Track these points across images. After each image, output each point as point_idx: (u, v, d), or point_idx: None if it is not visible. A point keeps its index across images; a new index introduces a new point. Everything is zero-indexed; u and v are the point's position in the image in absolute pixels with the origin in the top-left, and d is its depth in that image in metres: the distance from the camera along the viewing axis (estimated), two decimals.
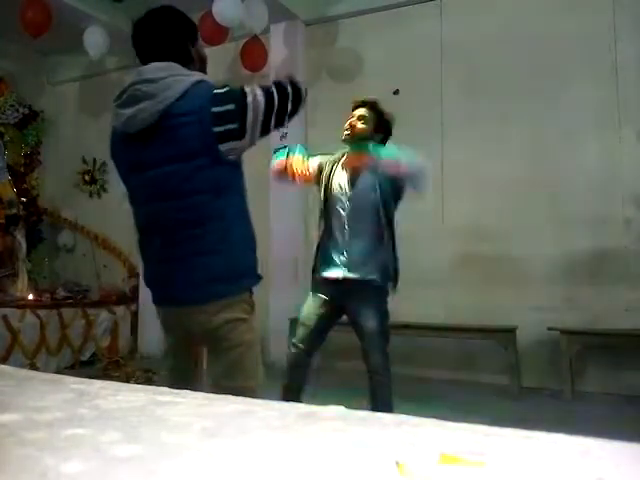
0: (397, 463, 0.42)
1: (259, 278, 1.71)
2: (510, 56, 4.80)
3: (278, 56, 5.68)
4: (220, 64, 6.08)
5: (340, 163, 2.73)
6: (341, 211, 2.64)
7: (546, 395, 4.20)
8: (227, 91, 1.57)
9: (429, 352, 4.85)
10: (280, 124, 1.65)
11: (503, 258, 4.70)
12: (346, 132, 2.66)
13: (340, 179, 2.68)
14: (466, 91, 4.95)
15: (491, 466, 0.42)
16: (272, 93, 1.59)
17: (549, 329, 4.22)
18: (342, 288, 2.62)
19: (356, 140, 2.64)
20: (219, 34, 5.05)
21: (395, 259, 2.66)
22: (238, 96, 1.56)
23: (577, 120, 4.55)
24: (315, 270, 2.72)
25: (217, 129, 1.53)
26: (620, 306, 4.23)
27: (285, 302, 5.09)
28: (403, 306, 4.52)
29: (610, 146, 4.45)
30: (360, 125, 2.63)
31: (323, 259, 2.68)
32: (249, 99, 1.55)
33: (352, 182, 2.65)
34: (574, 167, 4.51)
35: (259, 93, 1.57)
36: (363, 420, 0.57)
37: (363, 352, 2.68)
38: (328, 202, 2.68)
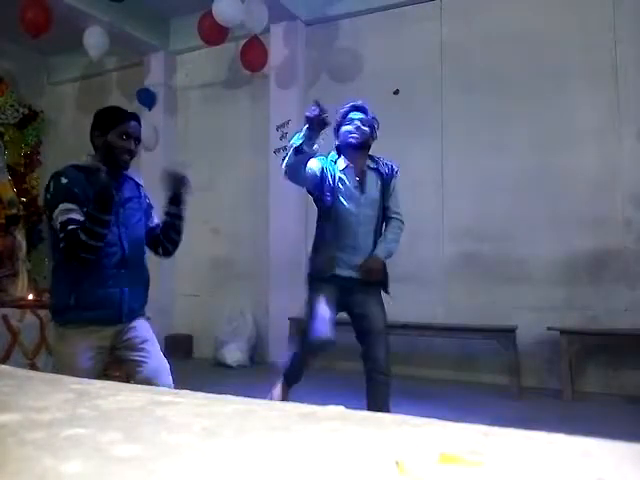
0: (397, 463, 0.42)
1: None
2: (510, 56, 4.80)
3: (278, 56, 5.68)
4: (220, 64, 6.09)
5: (343, 165, 2.71)
6: (351, 214, 2.66)
7: (546, 395, 4.20)
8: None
9: (429, 352, 4.85)
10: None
11: (503, 258, 4.69)
12: (353, 135, 2.64)
13: (347, 182, 2.68)
14: (466, 91, 4.95)
15: (491, 466, 0.42)
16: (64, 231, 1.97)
17: (549, 329, 4.21)
18: (351, 285, 2.66)
19: (362, 145, 2.66)
20: (219, 34, 5.05)
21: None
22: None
23: (577, 120, 4.54)
24: (319, 270, 2.71)
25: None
26: (620, 306, 4.23)
27: (285, 302, 5.08)
28: (403, 306, 4.53)
29: (610, 146, 4.44)
30: (367, 129, 2.66)
31: (330, 258, 2.67)
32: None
33: (361, 186, 2.68)
34: (574, 167, 4.51)
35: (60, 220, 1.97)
36: (363, 420, 0.57)
37: (367, 349, 2.67)
38: (334, 204, 2.66)
